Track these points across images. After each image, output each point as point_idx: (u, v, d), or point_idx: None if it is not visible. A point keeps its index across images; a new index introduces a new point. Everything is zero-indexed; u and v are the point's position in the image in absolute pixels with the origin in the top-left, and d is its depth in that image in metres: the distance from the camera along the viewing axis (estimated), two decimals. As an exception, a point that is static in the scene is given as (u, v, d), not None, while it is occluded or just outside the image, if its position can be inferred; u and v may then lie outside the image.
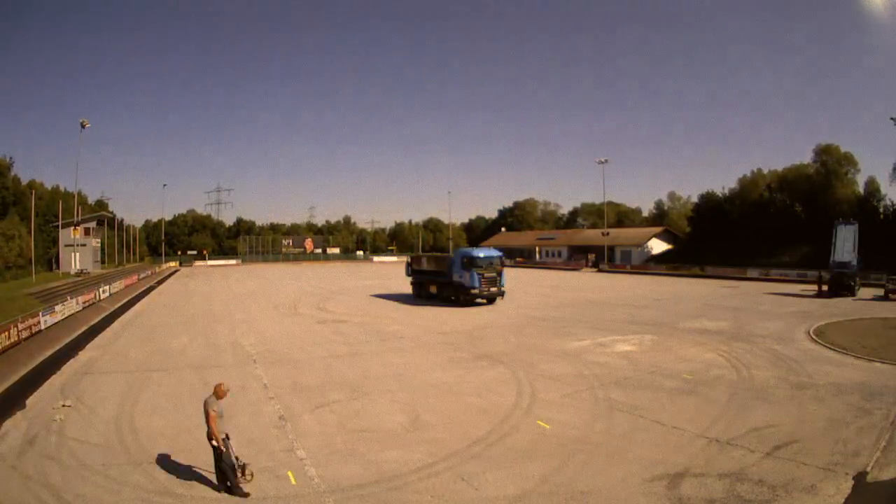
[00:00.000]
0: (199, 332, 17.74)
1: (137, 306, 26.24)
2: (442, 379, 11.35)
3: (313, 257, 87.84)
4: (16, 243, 36.57)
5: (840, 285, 27.41)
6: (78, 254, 44.98)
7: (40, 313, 17.15)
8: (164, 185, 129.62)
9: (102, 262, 54.19)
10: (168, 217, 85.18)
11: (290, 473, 6.62)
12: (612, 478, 6.37)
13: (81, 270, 43.11)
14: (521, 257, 72.79)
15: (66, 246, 45.05)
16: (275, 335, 17.20)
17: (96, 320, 20.35)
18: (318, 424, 8.52)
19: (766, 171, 59.37)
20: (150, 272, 51.48)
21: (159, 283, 43.43)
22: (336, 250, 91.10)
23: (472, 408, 9.26)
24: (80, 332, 17.65)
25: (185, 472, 6.64)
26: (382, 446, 7.51)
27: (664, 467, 6.63)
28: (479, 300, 24.43)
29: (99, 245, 54.47)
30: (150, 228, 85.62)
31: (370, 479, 6.46)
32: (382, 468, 6.76)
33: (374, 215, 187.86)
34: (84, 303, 23.20)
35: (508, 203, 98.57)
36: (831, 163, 52.48)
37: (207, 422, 6.07)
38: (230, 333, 17.50)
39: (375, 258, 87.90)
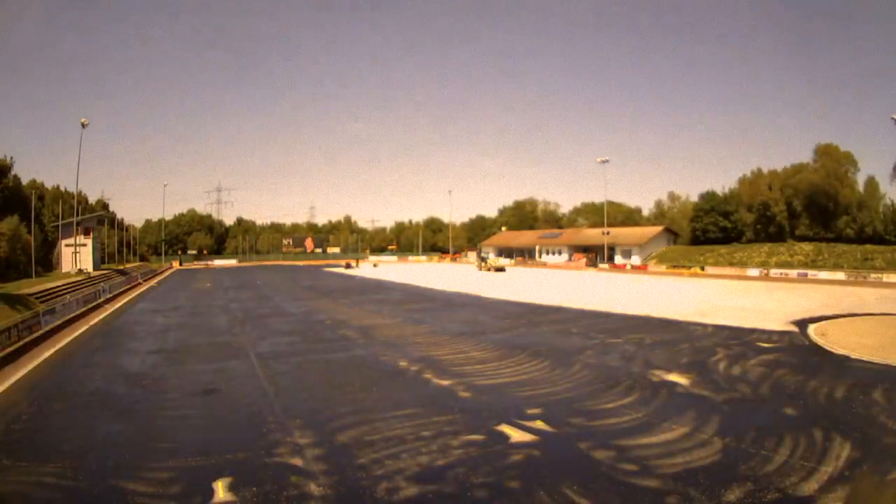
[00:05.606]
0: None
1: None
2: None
3: (314, 256, 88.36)
4: (17, 243, 36.56)
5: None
6: (79, 254, 44.97)
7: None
8: (165, 185, 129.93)
9: (103, 261, 54.20)
10: (168, 217, 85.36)
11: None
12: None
13: (81, 270, 43.15)
14: (522, 256, 72.82)
15: (67, 246, 45.09)
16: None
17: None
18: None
19: (765, 171, 59.45)
20: (151, 272, 51.52)
21: (160, 283, 43.47)
22: (336, 249, 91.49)
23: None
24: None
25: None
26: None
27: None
28: None
29: (99, 245, 54.45)
30: (151, 228, 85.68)
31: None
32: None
33: (375, 215, 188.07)
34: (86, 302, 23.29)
35: (508, 202, 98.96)
36: (831, 163, 52.51)
37: None
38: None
39: (372, 257, 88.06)
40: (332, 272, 56.88)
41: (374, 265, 67.62)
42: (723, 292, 30.50)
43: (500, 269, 55.11)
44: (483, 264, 58.03)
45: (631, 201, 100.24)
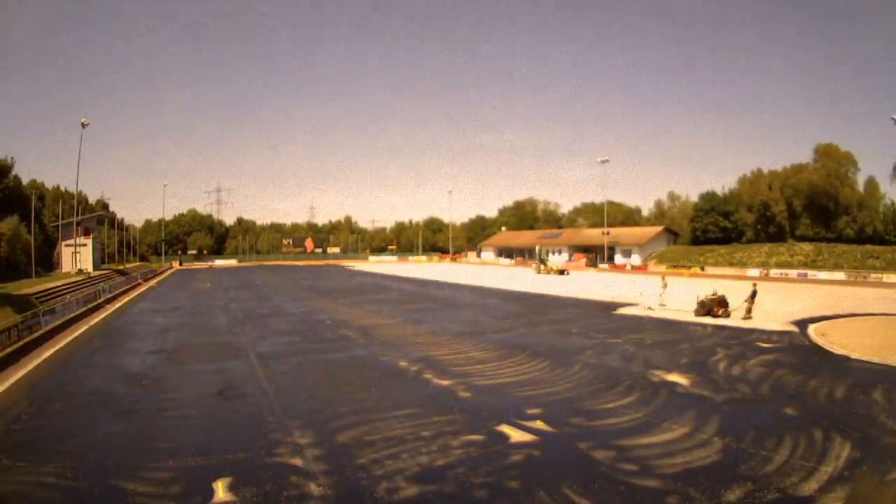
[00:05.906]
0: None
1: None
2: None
3: (314, 256, 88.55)
4: (17, 243, 36.59)
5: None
6: (79, 254, 44.97)
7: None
8: (165, 185, 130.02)
9: (103, 261, 54.21)
10: (168, 217, 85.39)
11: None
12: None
13: (81, 270, 43.16)
14: (522, 256, 72.84)
15: (67, 246, 45.09)
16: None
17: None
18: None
19: (766, 171, 59.50)
20: (151, 272, 51.49)
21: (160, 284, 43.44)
22: (336, 249, 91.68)
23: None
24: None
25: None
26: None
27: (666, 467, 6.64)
28: None
29: (99, 245, 54.47)
30: (151, 228, 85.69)
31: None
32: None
33: (375, 215, 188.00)
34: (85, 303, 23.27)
35: (508, 202, 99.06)
36: (831, 163, 52.53)
37: None
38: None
39: (372, 257, 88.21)
40: (333, 272, 56.91)
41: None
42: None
43: (563, 273, 47.53)
44: (542, 267, 50.79)
45: (631, 201, 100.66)
